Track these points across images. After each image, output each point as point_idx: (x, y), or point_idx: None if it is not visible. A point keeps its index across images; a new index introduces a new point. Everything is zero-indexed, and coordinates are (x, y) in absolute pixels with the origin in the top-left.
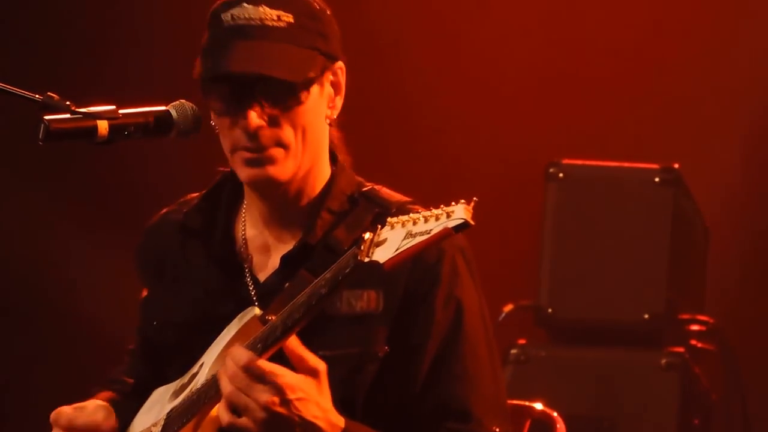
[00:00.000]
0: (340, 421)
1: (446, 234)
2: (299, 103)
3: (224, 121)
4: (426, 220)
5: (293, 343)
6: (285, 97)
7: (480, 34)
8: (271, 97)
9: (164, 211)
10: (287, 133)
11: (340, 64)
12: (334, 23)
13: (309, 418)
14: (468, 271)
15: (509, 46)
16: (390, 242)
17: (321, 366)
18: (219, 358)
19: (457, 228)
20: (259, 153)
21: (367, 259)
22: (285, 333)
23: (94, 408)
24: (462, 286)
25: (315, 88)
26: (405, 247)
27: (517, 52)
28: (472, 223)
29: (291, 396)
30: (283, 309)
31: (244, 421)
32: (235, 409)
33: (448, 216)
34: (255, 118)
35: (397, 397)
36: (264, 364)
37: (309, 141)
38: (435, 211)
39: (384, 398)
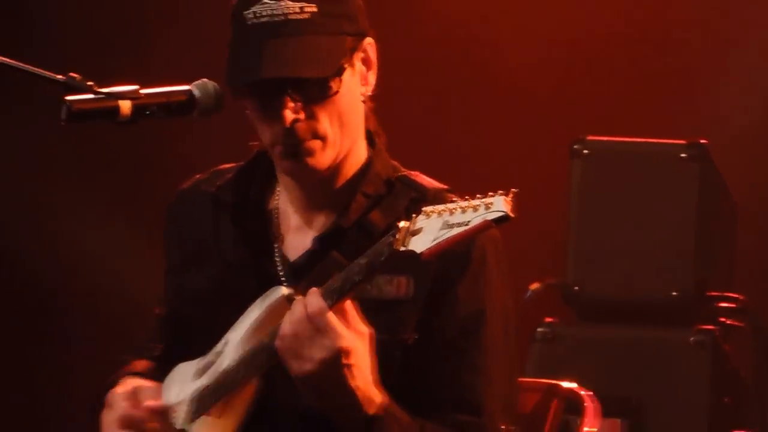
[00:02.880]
0: (378, 398)
1: (486, 226)
2: (333, 93)
3: (260, 118)
4: (464, 211)
5: (348, 304)
6: (318, 91)
7: (503, 9)
8: (304, 93)
9: (197, 177)
10: (324, 124)
11: (368, 39)
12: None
13: (351, 386)
14: (497, 263)
15: (533, 21)
16: (426, 231)
17: (368, 330)
18: (245, 336)
19: (497, 221)
20: (296, 146)
21: (402, 248)
22: None
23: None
24: (489, 278)
25: (347, 72)
26: (443, 238)
27: (540, 28)
28: (512, 215)
29: (344, 360)
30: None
31: (294, 365)
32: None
33: (488, 207)
34: (289, 114)
35: (421, 384)
36: (332, 320)
37: (346, 126)
38: (473, 202)
39: (410, 385)
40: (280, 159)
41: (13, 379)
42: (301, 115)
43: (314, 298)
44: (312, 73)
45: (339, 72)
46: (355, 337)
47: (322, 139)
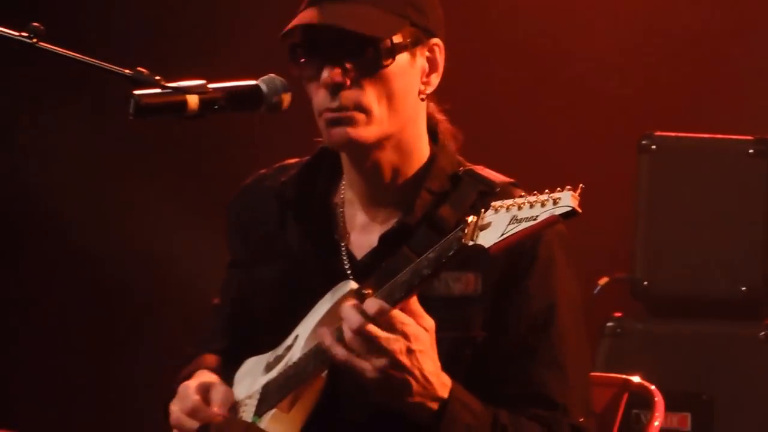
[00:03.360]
0: (448, 381)
1: (553, 221)
2: (381, 65)
3: (312, 86)
4: (531, 206)
5: (412, 300)
6: (370, 59)
7: (572, 7)
8: (356, 58)
9: (261, 173)
10: (369, 96)
11: (436, 40)
12: (436, 2)
13: (425, 372)
14: (565, 257)
15: (601, 17)
16: (494, 226)
17: (433, 324)
18: (314, 331)
19: (565, 215)
20: (339, 113)
21: (471, 243)
22: None
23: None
24: (557, 273)
25: (404, 57)
26: (511, 233)
27: (609, 24)
28: (580, 211)
29: (415, 346)
30: (383, 287)
31: (361, 367)
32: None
33: (555, 203)
34: (335, 75)
35: (494, 381)
36: (396, 313)
37: (395, 110)
38: (541, 197)
39: (481, 382)
40: (325, 128)
41: (92, 375)
42: (348, 82)
43: (373, 302)
44: (360, 29)
45: (392, 50)
46: (419, 327)
47: (366, 112)
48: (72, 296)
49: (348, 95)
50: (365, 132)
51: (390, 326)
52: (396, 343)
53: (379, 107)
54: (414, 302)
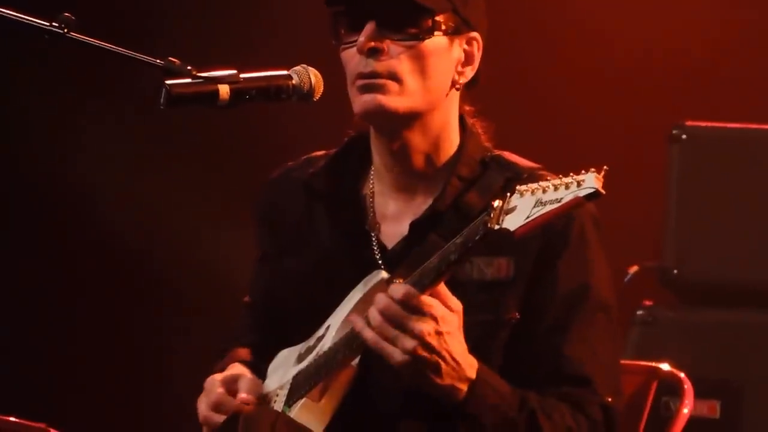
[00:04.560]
0: (475, 362)
1: (577, 203)
2: (419, 38)
3: (348, 53)
4: (556, 189)
5: (440, 285)
6: (405, 27)
7: None
8: (391, 23)
9: (287, 166)
10: (403, 67)
11: (476, 35)
12: None
13: (454, 353)
14: (597, 239)
15: (636, 3)
16: (520, 210)
17: (460, 306)
18: (345, 320)
19: (589, 197)
20: (371, 79)
21: (497, 227)
22: None
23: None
24: (589, 253)
25: (441, 40)
26: (535, 215)
27: (641, 12)
28: (603, 192)
29: (443, 328)
30: (413, 273)
31: (391, 350)
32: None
33: (579, 185)
34: (369, 36)
35: (527, 361)
36: (423, 297)
37: (428, 88)
38: (565, 180)
39: (516, 363)
40: (356, 95)
41: (129, 367)
42: (385, 49)
43: (399, 287)
44: None
45: (431, 28)
46: (446, 309)
47: (399, 81)
48: (107, 290)
49: (383, 63)
50: (396, 102)
51: (417, 309)
52: (424, 325)
53: (413, 80)
54: (441, 286)
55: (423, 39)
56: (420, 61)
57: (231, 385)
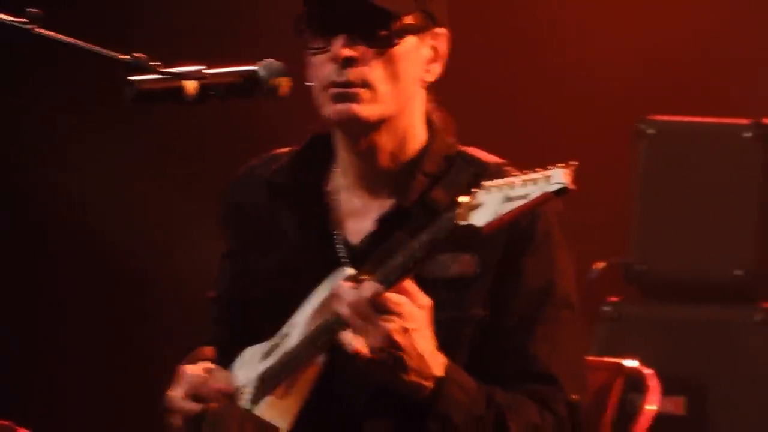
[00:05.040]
0: (443, 359)
1: (545, 198)
2: (390, 43)
3: (317, 59)
4: (524, 184)
5: (407, 281)
6: (376, 32)
7: None
8: (362, 28)
9: (251, 164)
10: (376, 73)
11: (442, 30)
12: None
13: (420, 350)
14: (562, 235)
15: (598, 0)
16: (487, 206)
17: (429, 302)
18: (310, 318)
19: (557, 193)
20: (345, 88)
21: (464, 223)
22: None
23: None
24: (555, 250)
25: (411, 41)
26: (503, 212)
27: (606, 7)
28: (572, 187)
29: (410, 325)
30: (378, 271)
31: (359, 344)
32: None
33: (547, 180)
34: (345, 50)
35: (492, 358)
36: (389, 294)
37: (399, 90)
38: (533, 175)
39: (482, 360)
40: (328, 103)
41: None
42: (357, 56)
43: (367, 285)
44: (380, 1)
45: (401, 31)
46: (414, 306)
47: (372, 89)
48: (88, 292)
49: (356, 71)
50: (369, 110)
51: (385, 307)
52: (391, 323)
53: (384, 86)
54: (408, 282)
55: (394, 44)
56: (391, 66)
57: (203, 376)
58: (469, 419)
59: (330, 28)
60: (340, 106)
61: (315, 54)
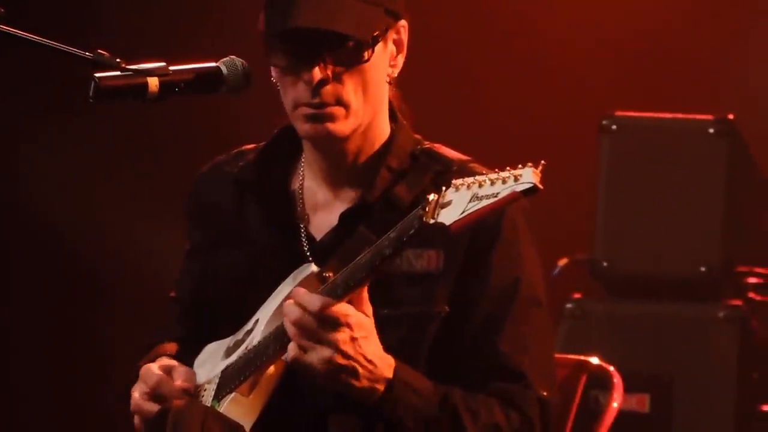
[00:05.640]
0: (392, 361)
1: (514, 198)
2: (363, 61)
3: (287, 78)
4: (492, 183)
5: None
6: (350, 54)
7: None
8: (336, 53)
9: (217, 160)
10: (349, 90)
11: (403, 22)
12: None
13: (369, 356)
14: (527, 233)
15: None
16: (455, 204)
17: (370, 309)
18: (274, 314)
19: (526, 192)
20: (320, 109)
21: (432, 221)
22: (346, 292)
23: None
24: (521, 247)
25: (379, 46)
26: (471, 210)
27: (570, 3)
28: (541, 187)
29: (357, 334)
30: (345, 268)
31: (309, 357)
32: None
33: (516, 179)
34: (318, 72)
35: (458, 355)
36: (337, 306)
37: (369, 98)
38: (502, 174)
39: (446, 357)
40: (303, 122)
41: (63, 366)
42: (329, 77)
43: (314, 298)
44: (350, 30)
45: (373, 42)
46: (360, 314)
47: (346, 106)
48: (45, 291)
49: (329, 91)
50: (344, 126)
51: (332, 320)
52: (339, 334)
53: (356, 99)
54: (357, 290)
55: (366, 59)
56: (362, 77)
57: (165, 375)
58: (421, 420)
59: (299, 49)
60: (316, 127)
61: (284, 74)
